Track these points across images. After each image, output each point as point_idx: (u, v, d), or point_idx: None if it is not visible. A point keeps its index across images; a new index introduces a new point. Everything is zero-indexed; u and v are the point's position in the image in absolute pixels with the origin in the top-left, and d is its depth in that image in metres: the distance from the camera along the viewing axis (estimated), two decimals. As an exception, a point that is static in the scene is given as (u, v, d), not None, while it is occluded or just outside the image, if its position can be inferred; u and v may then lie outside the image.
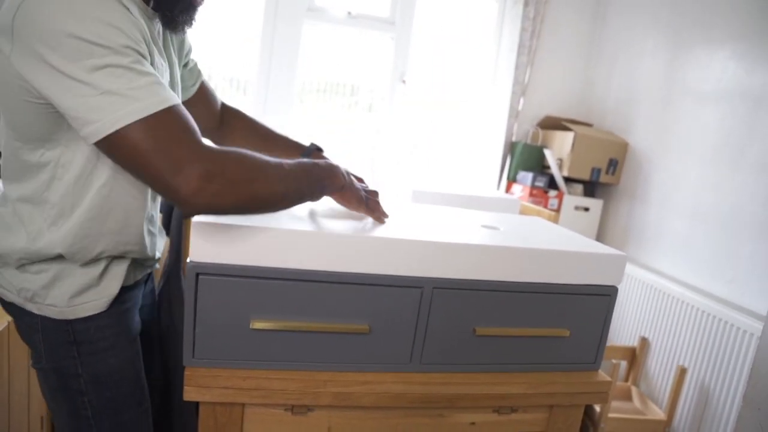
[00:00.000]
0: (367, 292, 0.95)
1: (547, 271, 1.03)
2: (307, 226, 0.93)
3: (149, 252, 1.03)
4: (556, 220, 1.66)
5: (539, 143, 2.63)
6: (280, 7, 2.53)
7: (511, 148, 2.68)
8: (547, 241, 1.09)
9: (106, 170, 0.87)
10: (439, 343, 1.00)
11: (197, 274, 0.87)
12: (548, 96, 2.74)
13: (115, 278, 0.95)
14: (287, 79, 2.58)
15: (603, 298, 1.07)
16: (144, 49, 0.77)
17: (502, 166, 2.68)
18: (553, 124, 2.67)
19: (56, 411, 0.98)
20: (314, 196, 0.92)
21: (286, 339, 0.93)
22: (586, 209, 2.54)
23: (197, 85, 1.17)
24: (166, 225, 1.35)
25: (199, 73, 1.17)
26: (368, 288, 0.95)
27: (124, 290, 0.99)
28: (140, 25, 0.78)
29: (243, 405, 0.93)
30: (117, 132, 0.71)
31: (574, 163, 2.45)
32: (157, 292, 1.24)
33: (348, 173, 1.00)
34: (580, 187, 2.59)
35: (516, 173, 2.61)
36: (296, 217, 0.98)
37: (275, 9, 2.53)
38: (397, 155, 2.78)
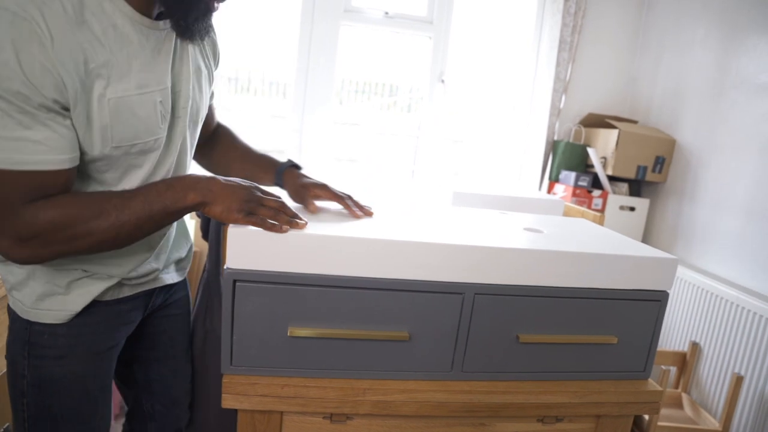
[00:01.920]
0: (406, 299, 0.93)
1: (594, 276, 0.99)
2: (345, 232, 0.91)
3: (141, 273, 1.00)
4: (600, 221, 1.60)
5: (582, 142, 2.56)
6: (317, 9, 2.53)
7: (553, 147, 2.61)
8: (593, 244, 1.05)
9: None
10: (482, 351, 0.98)
11: (234, 281, 0.87)
12: (591, 93, 2.66)
13: (84, 295, 0.92)
14: (325, 80, 2.59)
15: (653, 303, 1.02)
16: (46, 90, 0.71)
17: (544, 166, 2.62)
18: (596, 121, 2.59)
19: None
20: (165, 220, 0.84)
21: (324, 346, 0.92)
22: (632, 209, 2.45)
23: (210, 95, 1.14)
24: (205, 231, 1.36)
25: (212, 95, 1.14)
26: (408, 294, 0.93)
27: (101, 305, 0.96)
28: (71, 61, 0.72)
29: (281, 413, 0.92)
30: None
31: (618, 162, 2.37)
32: (196, 300, 1.24)
33: (229, 184, 0.88)
34: (625, 186, 2.50)
35: (558, 173, 2.54)
36: (335, 222, 0.97)
37: (312, 11, 2.54)
38: (438, 156, 2.75)
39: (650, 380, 1.06)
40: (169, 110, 0.89)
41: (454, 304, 0.94)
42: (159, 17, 0.85)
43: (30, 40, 0.68)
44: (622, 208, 2.44)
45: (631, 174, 2.41)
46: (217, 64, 1.07)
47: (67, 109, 0.75)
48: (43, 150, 0.73)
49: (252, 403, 0.89)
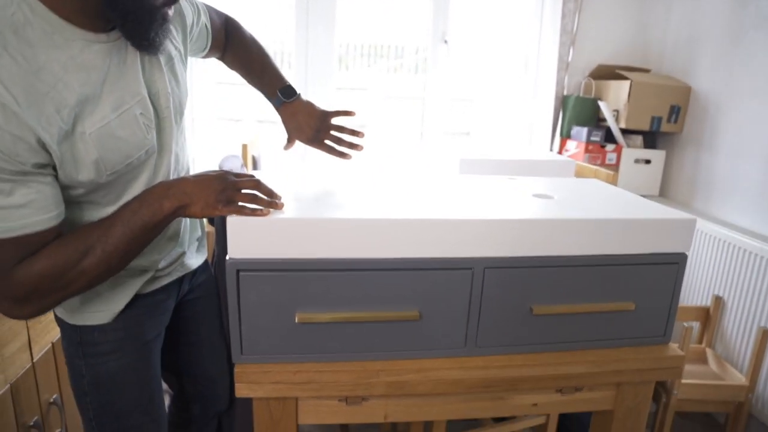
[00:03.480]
0: (414, 277, 0.90)
1: (608, 242, 0.95)
2: (345, 213, 0.88)
3: (170, 261, 1.02)
4: (614, 180, 1.55)
5: (593, 95, 2.47)
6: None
7: (562, 102, 2.53)
8: (605, 208, 1.01)
9: (79, 210, 0.86)
10: (495, 325, 0.95)
11: (238, 271, 0.85)
12: (600, 43, 2.55)
13: (124, 293, 0.95)
14: (326, 46, 2.50)
15: (671, 266, 0.99)
16: (21, 157, 0.69)
17: (555, 123, 2.54)
18: (606, 73, 2.50)
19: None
20: (149, 235, 0.83)
21: (334, 330, 0.90)
22: (648, 162, 2.38)
23: (209, 44, 1.13)
24: (210, 220, 1.35)
25: (207, 33, 1.11)
26: (415, 273, 0.90)
27: (140, 297, 0.98)
28: (35, 115, 0.69)
29: (296, 398, 0.92)
30: None
31: (631, 114, 2.29)
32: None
33: (200, 179, 0.85)
34: (639, 139, 2.42)
35: (569, 129, 2.47)
36: (334, 204, 0.94)
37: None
38: (445, 118, 2.68)
39: (671, 344, 1.03)
40: (152, 116, 0.86)
41: (463, 279, 0.92)
42: (114, 28, 0.80)
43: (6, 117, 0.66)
44: (637, 161, 2.37)
45: (645, 126, 2.33)
46: (188, 28, 1.02)
47: (48, 166, 0.73)
48: (29, 213, 0.72)
49: (266, 390, 0.89)
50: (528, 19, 2.65)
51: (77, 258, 0.76)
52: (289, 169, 1.17)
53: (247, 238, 0.84)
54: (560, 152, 2.52)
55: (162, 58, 0.89)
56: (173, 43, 0.95)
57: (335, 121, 1.19)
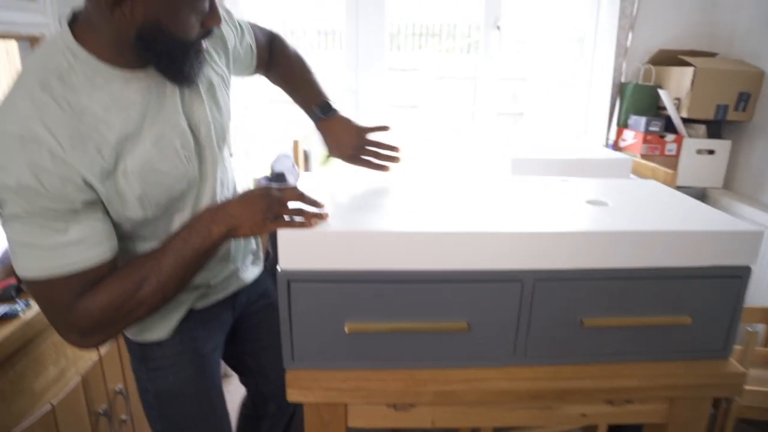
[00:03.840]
0: (463, 289, 0.91)
1: (664, 255, 0.92)
2: (394, 225, 0.89)
3: (223, 278, 1.04)
4: (672, 179, 1.49)
5: (652, 82, 2.36)
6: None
7: (620, 90, 2.43)
8: (663, 217, 0.97)
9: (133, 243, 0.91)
10: (544, 337, 0.95)
11: (288, 282, 0.88)
12: (661, 27, 2.43)
13: (177, 310, 0.98)
14: (377, 26, 2.47)
15: (733, 280, 0.95)
16: (71, 196, 0.73)
17: (611, 111, 2.45)
18: (668, 59, 2.38)
19: None
20: (201, 260, 0.85)
21: (383, 339, 0.92)
22: (711, 152, 2.27)
23: (254, 62, 1.15)
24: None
25: (251, 52, 1.12)
26: (464, 285, 0.90)
27: (194, 313, 1.02)
28: (82, 154, 0.73)
29: (345, 404, 0.94)
30: (21, 276, 0.77)
31: (694, 102, 2.17)
32: None
33: (244, 200, 0.86)
34: (702, 128, 2.30)
35: (627, 117, 2.37)
36: (383, 213, 0.95)
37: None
38: (498, 99, 2.63)
39: (731, 360, 0.99)
40: (192, 147, 0.88)
41: (513, 291, 0.91)
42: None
43: (41, 156, 0.70)
44: (699, 152, 2.26)
45: (709, 115, 2.21)
46: (231, 51, 1.04)
47: (96, 202, 0.77)
48: (84, 249, 0.76)
49: (316, 396, 0.92)
50: (584, 2, 2.55)
51: (134, 289, 0.80)
52: (336, 169, 1.16)
53: (298, 250, 0.86)
54: (617, 142, 2.43)
55: (202, 87, 0.91)
56: (214, 68, 0.96)
57: (371, 136, 1.18)
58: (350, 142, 1.16)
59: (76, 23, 0.78)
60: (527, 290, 0.91)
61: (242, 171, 2.31)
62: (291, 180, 1.32)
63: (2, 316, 1.12)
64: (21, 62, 1.67)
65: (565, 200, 1.07)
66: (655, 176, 1.55)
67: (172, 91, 0.85)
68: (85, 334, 0.80)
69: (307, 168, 1.87)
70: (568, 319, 0.94)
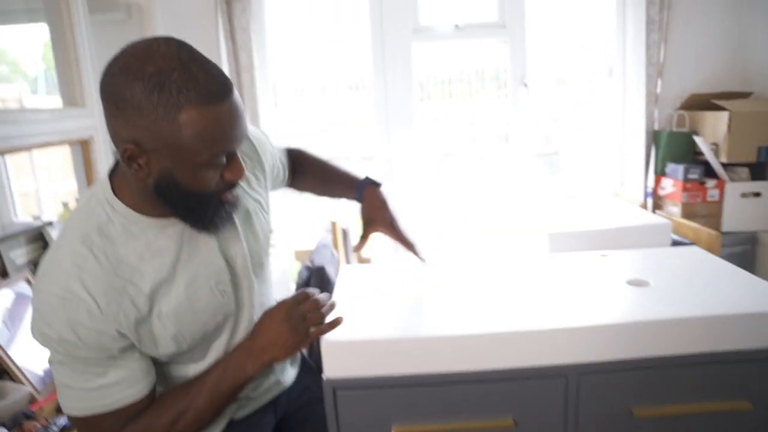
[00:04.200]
0: (507, 387, 0.91)
1: (713, 339, 0.90)
2: (435, 330, 0.91)
3: (264, 386, 1.01)
4: (716, 243, 1.45)
5: (687, 128, 2.33)
6: (386, 32, 2.52)
7: (654, 137, 2.41)
8: (709, 297, 0.96)
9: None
10: (593, 429, 0.93)
11: (334, 390, 0.90)
12: (690, 72, 2.41)
13: (218, 423, 0.94)
14: (404, 76, 2.52)
15: (791, 362, 0.91)
16: (107, 345, 0.77)
17: (647, 160, 2.42)
18: (701, 103, 2.35)
19: None
20: (235, 394, 0.87)
21: (430, 442, 0.92)
22: (757, 194, 2.20)
23: (286, 178, 1.16)
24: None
25: (283, 169, 1.14)
26: (508, 383, 0.90)
27: (235, 422, 0.98)
28: (119, 304, 0.77)
29: None
30: (67, 413, 0.81)
31: (733, 147, 2.14)
32: None
33: (271, 332, 0.86)
34: (745, 171, 2.25)
35: (664, 165, 2.34)
36: (422, 314, 0.96)
37: (381, 34, 2.53)
38: (530, 162, 2.64)
39: (796, 445, 0.95)
40: (228, 280, 0.88)
41: (558, 387, 0.91)
42: None
43: (79, 313, 0.74)
44: (744, 195, 2.20)
45: (751, 158, 2.17)
46: (268, 170, 1.04)
47: (132, 347, 0.80)
48: (123, 389, 0.80)
49: (367, 500, 0.92)
50: (609, 54, 2.57)
51: (171, 422, 0.82)
52: (372, 259, 1.15)
53: (342, 358, 0.89)
54: (655, 190, 2.39)
55: (238, 219, 0.90)
56: (251, 195, 0.96)
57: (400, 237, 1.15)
58: (387, 214, 1.13)
59: (114, 175, 0.82)
60: (572, 384, 0.90)
61: (285, 244, 2.38)
62: (331, 272, 1.35)
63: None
64: (73, 164, 1.79)
65: (605, 281, 1.06)
66: (697, 238, 1.52)
67: (206, 234, 0.85)
68: None
69: (346, 246, 1.91)
70: (617, 411, 0.92)
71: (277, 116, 2.60)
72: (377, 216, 1.14)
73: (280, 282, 2.11)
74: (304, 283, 1.34)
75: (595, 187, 2.66)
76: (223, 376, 0.85)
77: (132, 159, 0.72)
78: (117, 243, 0.78)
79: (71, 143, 1.68)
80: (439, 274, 1.16)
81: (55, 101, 1.77)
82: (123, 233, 0.79)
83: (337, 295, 1.07)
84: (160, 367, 0.88)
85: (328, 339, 0.89)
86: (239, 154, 0.79)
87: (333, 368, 0.89)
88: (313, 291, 0.91)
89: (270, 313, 0.88)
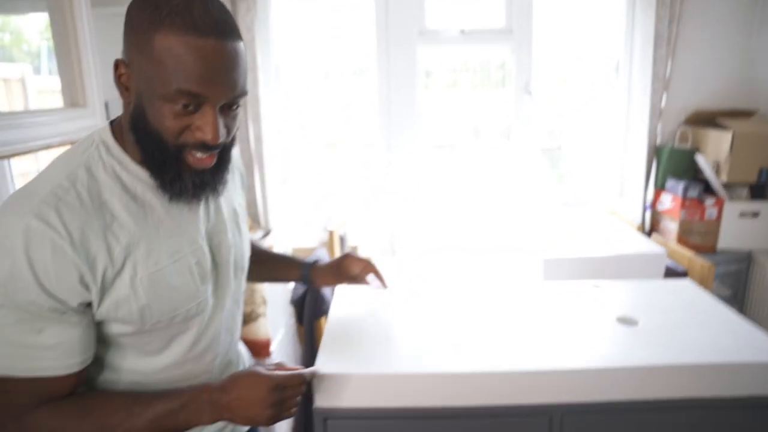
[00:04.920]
0: (492, 424, 0.92)
1: (698, 385, 0.92)
2: (423, 366, 0.92)
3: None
4: (709, 275, 1.46)
5: (689, 144, 2.33)
6: (391, 35, 2.50)
7: (656, 152, 2.41)
8: (697, 342, 0.97)
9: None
10: (576, 468, 0.95)
11: (325, 419, 0.92)
12: (696, 87, 2.40)
13: None
14: (408, 105, 2.54)
15: (771, 411, 0.93)
16: (63, 295, 0.67)
17: (647, 174, 2.42)
18: (704, 119, 2.35)
19: None
20: None
21: (415, 474, 0.94)
22: (756, 214, 2.21)
23: None
24: (299, 316, 1.43)
25: None
26: (493, 420, 0.92)
27: None
28: (90, 250, 0.68)
29: None
30: None
31: (734, 167, 2.14)
32: None
33: (246, 394, 0.76)
34: (744, 191, 2.25)
35: (664, 180, 2.34)
36: (414, 350, 0.98)
37: (387, 37, 2.51)
38: (532, 157, 2.64)
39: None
40: (209, 268, 0.82)
41: (541, 425, 0.93)
42: None
43: (43, 248, 0.65)
44: (743, 215, 2.21)
45: (751, 178, 2.17)
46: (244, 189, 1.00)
47: (84, 306, 0.70)
48: (52, 356, 0.69)
49: None
50: (615, 67, 2.56)
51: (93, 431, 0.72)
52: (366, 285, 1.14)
53: (332, 391, 0.91)
54: (654, 204, 2.40)
55: (227, 210, 0.87)
56: (239, 200, 0.94)
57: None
58: (350, 268, 1.13)
59: (116, 123, 0.77)
60: (556, 423, 0.92)
61: (281, 246, 2.39)
62: (326, 291, 1.37)
63: None
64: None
65: (595, 317, 1.08)
66: (691, 267, 1.53)
67: (194, 209, 0.80)
68: None
69: (342, 252, 1.92)
70: (600, 451, 0.94)
71: (283, 115, 2.59)
72: (341, 275, 1.13)
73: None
74: (299, 300, 1.36)
75: (594, 196, 2.67)
76: (174, 410, 0.74)
77: (119, 77, 0.71)
78: (103, 186, 0.72)
79: (73, 143, 1.68)
80: (431, 302, 1.17)
81: (58, 82, 1.76)
82: (112, 178, 0.73)
83: (331, 320, 1.09)
84: (111, 351, 0.78)
85: (320, 371, 0.90)
86: (220, 125, 0.71)
87: (323, 398, 0.91)
88: (306, 373, 0.82)
89: (253, 377, 0.77)
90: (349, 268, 1.13)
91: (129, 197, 0.74)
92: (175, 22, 0.66)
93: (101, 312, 0.72)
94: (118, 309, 0.72)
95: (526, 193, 2.66)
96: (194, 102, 0.69)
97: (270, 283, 1.21)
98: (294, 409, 0.80)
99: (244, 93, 0.73)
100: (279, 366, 0.82)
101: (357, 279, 1.13)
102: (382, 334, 1.04)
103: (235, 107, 0.74)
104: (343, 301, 1.19)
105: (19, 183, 2.45)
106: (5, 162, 1.87)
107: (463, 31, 2.57)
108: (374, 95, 2.58)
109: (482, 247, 1.65)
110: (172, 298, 0.77)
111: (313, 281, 1.14)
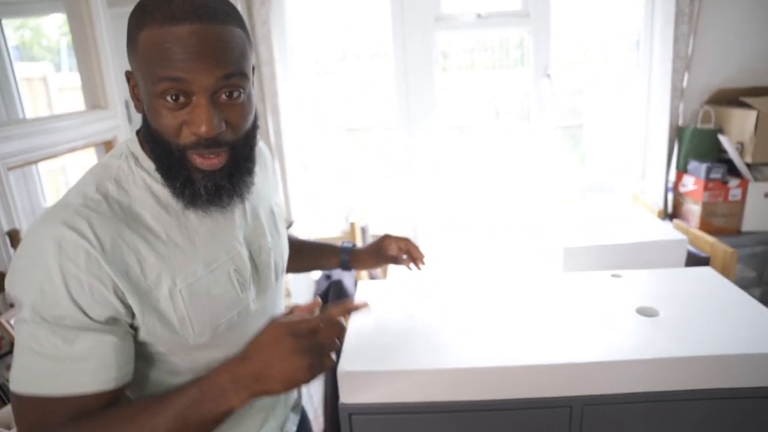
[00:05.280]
0: (513, 416, 0.94)
1: (719, 377, 0.92)
2: (447, 362, 0.94)
3: None
4: (734, 253, 1.45)
5: (712, 125, 2.29)
6: (407, 20, 2.49)
7: (678, 133, 2.37)
8: (717, 332, 0.97)
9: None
10: (598, 458, 0.97)
11: (350, 415, 0.95)
12: (719, 65, 2.35)
13: None
14: (425, 45, 2.52)
15: (794, 400, 0.93)
16: (94, 306, 0.65)
17: (669, 155, 2.39)
18: (728, 98, 2.30)
19: None
20: (212, 426, 0.67)
21: (438, 465, 0.97)
22: (781, 194, 2.17)
23: None
24: (324, 302, 1.47)
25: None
26: (514, 412, 0.94)
27: None
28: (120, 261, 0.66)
29: None
30: (13, 390, 0.67)
31: (759, 147, 2.09)
32: None
33: (269, 359, 0.66)
34: (770, 170, 2.21)
35: (687, 162, 2.31)
36: (437, 346, 1.00)
37: (402, 23, 2.50)
38: (553, 157, 2.63)
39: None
40: (249, 275, 0.80)
41: (562, 417, 0.94)
42: None
43: (77, 257, 0.64)
44: (767, 195, 2.18)
45: (776, 158, 2.13)
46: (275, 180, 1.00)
47: (119, 322, 0.68)
48: (89, 369, 0.65)
49: None
50: (636, 45, 2.51)
51: None
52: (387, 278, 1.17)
53: (357, 387, 0.93)
54: (676, 186, 2.37)
55: (263, 212, 0.86)
56: (276, 201, 0.94)
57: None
58: (390, 247, 1.17)
59: (141, 132, 0.76)
60: (576, 415, 0.94)
61: (306, 232, 2.43)
62: (349, 283, 1.39)
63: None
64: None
65: (615, 308, 1.09)
66: (713, 253, 1.52)
67: (230, 214, 0.79)
68: None
69: (364, 243, 1.94)
70: (621, 441, 0.96)
71: (301, 105, 2.60)
72: (386, 242, 1.18)
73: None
74: (322, 295, 1.39)
75: (616, 179, 2.64)
76: (195, 400, 0.66)
77: (133, 88, 0.72)
78: (134, 199, 0.71)
79: (96, 145, 1.72)
80: (452, 296, 1.19)
81: (77, 78, 1.80)
82: (143, 190, 0.72)
83: (354, 316, 1.12)
84: (143, 366, 0.74)
85: (344, 368, 0.93)
86: (211, 116, 0.67)
87: (349, 395, 0.94)
88: (339, 316, 0.72)
89: (271, 331, 0.68)
90: (389, 248, 1.17)
91: (161, 208, 0.72)
92: (155, 17, 0.64)
93: (142, 331, 0.70)
94: (158, 323, 0.70)
95: (546, 177, 2.65)
96: (181, 92, 0.66)
97: (308, 272, 1.23)
98: (333, 356, 0.70)
99: (234, 75, 0.68)
100: (295, 309, 0.73)
101: (397, 259, 1.17)
102: (404, 328, 1.06)
103: (234, 95, 0.69)
104: (366, 295, 1.21)
105: (46, 180, 2.52)
106: (34, 168, 1.94)
107: (479, 15, 2.54)
108: (391, 80, 2.58)
109: (503, 233, 1.65)
110: (212, 308, 0.74)
111: (353, 266, 1.17)
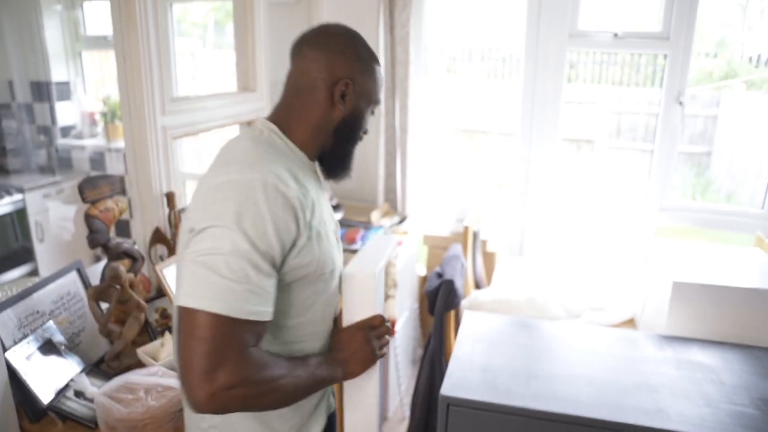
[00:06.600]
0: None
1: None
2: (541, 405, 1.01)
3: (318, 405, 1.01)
4: None
5: None
6: (541, 37, 2.49)
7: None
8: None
9: None
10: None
11: (448, 405, 1.03)
12: None
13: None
14: (556, 54, 2.50)
15: None
16: (286, 243, 0.79)
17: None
18: None
19: None
20: (317, 388, 0.91)
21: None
22: None
23: None
24: (431, 305, 1.55)
25: None
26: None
27: None
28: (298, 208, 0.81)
29: None
30: (202, 308, 0.74)
31: None
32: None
33: (355, 350, 0.94)
34: None
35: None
36: (538, 381, 1.05)
37: (537, 37, 2.51)
38: (676, 163, 2.53)
39: None
40: (336, 244, 0.97)
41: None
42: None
43: (281, 197, 0.78)
44: None
45: None
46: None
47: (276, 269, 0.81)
48: (267, 300, 0.78)
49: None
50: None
51: (279, 376, 0.81)
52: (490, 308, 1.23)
53: (456, 380, 1.01)
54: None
55: (328, 195, 1.06)
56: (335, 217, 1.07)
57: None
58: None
59: (271, 117, 0.94)
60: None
61: (415, 228, 2.52)
62: (459, 284, 1.45)
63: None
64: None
65: (728, 395, 1.07)
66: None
67: (323, 187, 1.00)
68: (224, 388, 0.74)
69: (474, 249, 1.99)
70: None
71: (428, 105, 2.67)
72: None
73: (407, 265, 2.24)
74: (433, 292, 1.47)
75: (738, 215, 2.50)
76: (321, 364, 0.90)
77: (344, 93, 0.91)
78: (282, 157, 0.88)
79: (241, 123, 1.91)
80: (555, 333, 1.24)
81: (221, 56, 1.97)
82: (285, 153, 0.89)
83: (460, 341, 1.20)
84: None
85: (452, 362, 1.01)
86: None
87: (450, 387, 1.03)
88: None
89: (347, 330, 0.97)
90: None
91: (297, 169, 0.88)
92: (375, 58, 0.96)
93: (289, 263, 0.83)
94: (311, 258, 0.85)
95: (664, 205, 2.55)
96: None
97: None
98: (385, 348, 0.99)
99: None
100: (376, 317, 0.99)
101: None
102: (502, 369, 1.13)
103: None
104: (470, 327, 1.29)
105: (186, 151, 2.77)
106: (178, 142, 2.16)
107: (616, 35, 2.49)
108: (519, 88, 2.59)
109: (609, 258, 1.64)
110: (329, 253, 0.90)
111: None
